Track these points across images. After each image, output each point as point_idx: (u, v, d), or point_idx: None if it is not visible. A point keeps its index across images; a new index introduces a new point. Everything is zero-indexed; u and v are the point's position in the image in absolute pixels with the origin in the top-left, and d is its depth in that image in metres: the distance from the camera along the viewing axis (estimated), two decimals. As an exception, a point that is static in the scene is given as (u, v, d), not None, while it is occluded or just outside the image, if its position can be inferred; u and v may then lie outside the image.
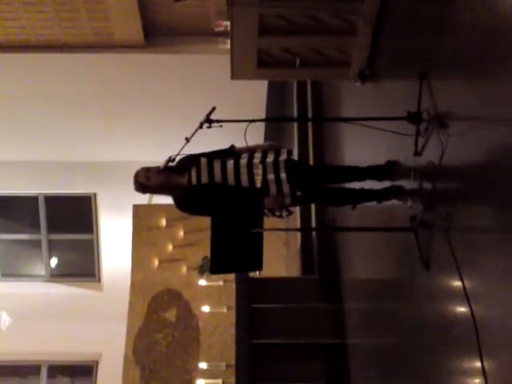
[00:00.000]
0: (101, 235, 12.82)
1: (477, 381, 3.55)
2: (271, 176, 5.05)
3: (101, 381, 12.69)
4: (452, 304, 3.99)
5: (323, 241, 8.54)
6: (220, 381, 8.39)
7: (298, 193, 5.15)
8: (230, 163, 5.14)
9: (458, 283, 3.72)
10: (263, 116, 10.45)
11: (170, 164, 5.04)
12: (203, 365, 8.46)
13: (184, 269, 9.14)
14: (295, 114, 9.79)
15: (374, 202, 5.37)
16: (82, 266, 13.40)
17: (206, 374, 8.45)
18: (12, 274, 13.35)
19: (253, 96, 10.34)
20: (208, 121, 4.79)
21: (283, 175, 5.06)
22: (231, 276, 8.23)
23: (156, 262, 9.19)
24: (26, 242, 13.34)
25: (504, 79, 3.30)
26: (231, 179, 5.09)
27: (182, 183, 5.21)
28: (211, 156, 5.23)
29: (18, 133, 11.33)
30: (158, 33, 10.07)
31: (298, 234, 9.22)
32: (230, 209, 4.73)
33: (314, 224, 8.57)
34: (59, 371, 13.14)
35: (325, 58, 6.24)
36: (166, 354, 8.66)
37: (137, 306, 8.91)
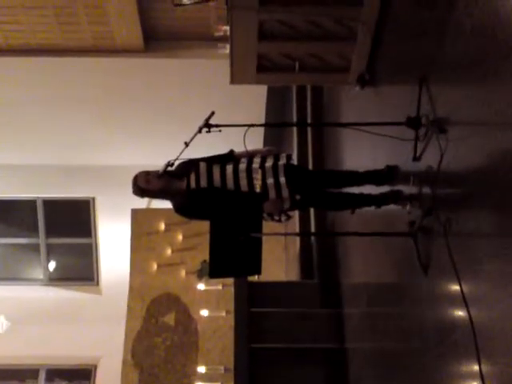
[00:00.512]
0: (99, 239, 12.81)
1: (475, 385, 3.55)
2: (270, 180, 5.05)
3: (99, 385, 12.69)
4: (451, 308, 3.99)
5: (322, 245, 8.54)
6: (218, 385, 8.40)
7: (297, 197, 5.16)
8: (229, 168, 5.15)
9: (456, 288, 3.72)
10: (263, 121, 10.46)
11: (169, 168, 5.05)
12: (202, 369, 8.46)
13: (183, 273, 9.14)
14: (295, 118, 9.79)
15: (373, 207, 5.38)
16: (80, 270, 13.40)
17: (204, 378, 8.46)
18: (10, 278, 13.34)
19: (252, 101, 10.35)
20: (207, 125, 4.80)
21: (282, 179, 5.06)
22: (230, 280, 8.23)
23: (155, 266, 9.20)
24: (24, 246, 13.34)
25: (503, 84, 3.31)
26: (230, 184, 5.09)
27: (181, 188, 5.21)
28: (210, 161, 5.24)
29: (16, 137, 11.33)
30: (157, 37, 10.08)
31: (297, 239, 9.23)
32: (229, 213, 4.74)
33: (313, 228, 8.58)
34: (57, 375, 13.12)
35: (324, 63, 6.25)
36: (165, 357, 8.66)
37: (135, 309, 8.92)
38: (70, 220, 13.34)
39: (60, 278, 13.38)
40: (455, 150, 3.94)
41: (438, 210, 4.18)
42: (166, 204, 5.37)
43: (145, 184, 5.18)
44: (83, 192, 12.60)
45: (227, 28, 5.97)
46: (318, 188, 5.48)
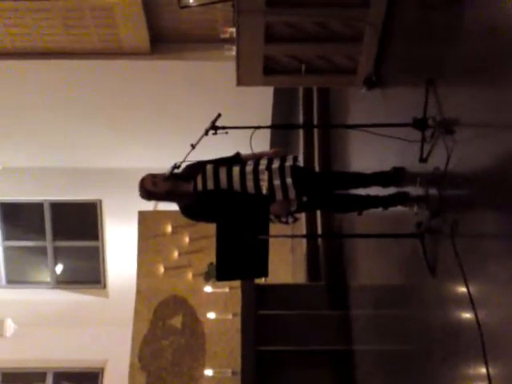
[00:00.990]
0: (106, 242, 12.81)
1: (483, 387, 3.54)
2: (277, 182, 5.05)
3: (106, 388, 12.69)
4: (458, 310, 3.98)
5: (329, 247, 8.53)
6: (226, 388, 8.38)
7: (304, 198, 5.15)
8: (236, 170, 5.15)
9: (463, 289, 3.71)
10: (269, 122, 10.44)
11: (176, 171, 5.05)
12: (209, 372, 8.43)
13: (190, 275, 9.12)
14: (301, 120, 9.78)
15: (380, 209, 5.37)
16: (87, 273, 13.40)
17: (211, 381, 8.43)
18: (17, 281, 13.35)
19: (259, 103, 10.34)
20: (214, 127, 4.80)
21: (289, 180, 5.06)
22: (237, 283, 8.22)
23: (161, 269, 9.18)
24: (31, 249, 13.35)
25: (510, 86, 3.30)
26: (237, 185, 5.09)
27: (188, 190, 5.21)
28: (217, 163, 5.24)
29: (23, 139, 11.35)
30: (164, 40, 10.09)
31: (304, 241, 9.21)
32: (236, 215, 4.73)
33: (320, 230, 8.56)
34: (65, 378, 13.12)
35: (331, 65, 6.25)
36: (172, 360, 8.64)
37: (142, 312, 8.90)
38: (77, 223, 13.35)
39: (67, 281, 13.39)
40: (462, 152, 3.93)
41: (445, 211, 4.18)
42: (173, 206, 5.37)
43: (152, 186, 5.19)
44: (90, 195, 12.61)
45: (234, 30, 5.97)
46: (324, 190, 5.47)
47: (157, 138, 11.30)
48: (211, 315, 8.70)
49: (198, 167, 5.21)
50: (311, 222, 8.71)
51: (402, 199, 5.09)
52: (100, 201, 12.67)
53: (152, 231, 9.35)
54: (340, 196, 5.56)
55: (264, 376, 7.61)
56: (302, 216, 8.51)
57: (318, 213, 8.55)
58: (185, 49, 10.10)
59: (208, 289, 8.85)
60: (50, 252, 13.11)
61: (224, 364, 8.49)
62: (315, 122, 9.41)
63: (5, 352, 12.36)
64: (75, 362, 12.75)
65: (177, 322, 8.82)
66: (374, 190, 5.45)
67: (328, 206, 6.01)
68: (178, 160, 4.98)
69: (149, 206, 7.12)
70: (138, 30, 9.64)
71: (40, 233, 13.04)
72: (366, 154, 6.62)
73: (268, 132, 10.94)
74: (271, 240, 4.77)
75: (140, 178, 5.28)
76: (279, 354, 7.69)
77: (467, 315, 3.73)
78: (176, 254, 9.26)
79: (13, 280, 13.33)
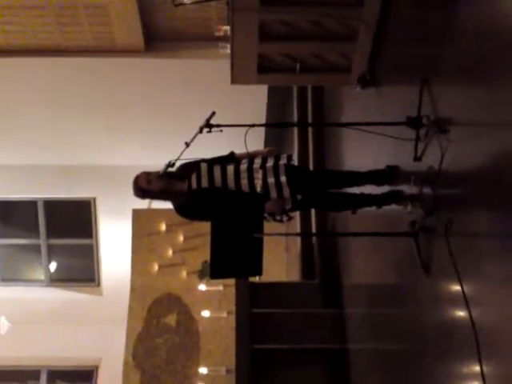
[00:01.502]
0: (100, 240, 12.80)
1: (477, 386, 3.54)
2: (271, 180, 5.05)
3: (101, 386, 12.68)
4: (452, 309, 3.98)
5: (323, 246, 8.53)
6: (220, 386, 8.38)
7: (299, 197, 5.15)
8: (231, 168, 5.15)
9: (457, 288, 3.72)
10: (263, 121, 10.45)
11: (170, 169, 5.05)
12: (203, 370, 8.44)
13: (184, 274, 9.12)
14: (295, 119, 9.78)
15: (374, 207, 5.38)
16: (81, 271, 13.38)
17: (206, 379, 8.43)
18: (11, 279, 13.32)
19: (253, 101, 10.34)
20: (208, 125, 4.80)
21: (283, 178, 5.06)
22: (231, 281, 8.22)
23: (156, 267, 9.17)
24: (25, 247, 13.32)
25: (505, 86, 3.30)
26: (231, 184, 5.09)
27: (182, 189, 5.21)
28: (211, 162, 5.24)
29: (17, 137, 11.32)
30: (158, 38, 10.08)
31: (298, 239, 9.21)
32: (231, 213, 4.73)
33: (314, 229, 8.57)
34: (59, 376, 13.10)
35: (326, 64, 6.24)
36: (166, 358, 8.64)
37: (137, 310, 8.89)
38: (71, 221, 13.32)
39: (61, 279, 13.36)
40: (456, 150, 3.94)
41: (439, 210, 4.18)
42: (167, 205, 5.37)
43: (146, 184, 5.18)
44: (84, 192, 12.59)
45: (228, 28, 5.96)
46: (318, 188, 5.48)
47: (151, 136, 11.30)
48: (205, 313, 8.70)
49: (193, 166, 5.21)
50: (305, 221, 8.71)
51: (396, 198, 5.09)
52: (94, 199, 12.65)
53: (146, 229, 9.35)
54: (334, 194, 5.57)
55: (258, 374, 7.61)
56: (297, 214, 8.51)
57: (313, 211, 8.55)
58: (179, 47, 10.10)
59: (202, 287, 8.85)
60: (43, 250, 13.09)
61: (218, 362, 8.50)
62: (309, 121, 9.41)
63: (-1, 350, 12.36)
64: (69, 359, 12.74)
65: (171, 320, 8.82)
66: (368, 189, 5.46)
67: (322, 205, 6.02)
68: (172, 158, 4.98)
69: (143, 204, 7.11)
70: (132, 27, 9.63)
71: (34, 231, 13.01)
72: (360, 153, 6.62)
73: (262, 131, 10.94)
74: (265, 238, 4.77)
75: (134, 175, 5.27)
76: (274, 353, 7.69)
77: (461, 314, 3.73)
78: (170, 252, 9.26)
79: (7, 278, 13.31)
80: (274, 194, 5.06)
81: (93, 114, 10.94)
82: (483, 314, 3.50)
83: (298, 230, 8.76)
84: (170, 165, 4.99)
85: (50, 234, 13.02)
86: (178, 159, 4.96)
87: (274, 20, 5.85)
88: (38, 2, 9.27)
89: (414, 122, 4.54)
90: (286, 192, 5.07)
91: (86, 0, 9.31)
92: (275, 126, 10.63)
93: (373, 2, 5.68)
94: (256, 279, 8.08)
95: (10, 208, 13.15)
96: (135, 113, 10.95)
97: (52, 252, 13.23)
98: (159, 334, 8.77)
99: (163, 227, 9.33)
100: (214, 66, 8.92)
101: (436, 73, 4.36)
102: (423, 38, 4.80)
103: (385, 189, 5.30)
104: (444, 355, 4.09)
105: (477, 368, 3.45)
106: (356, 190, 5.52)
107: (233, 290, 8.26)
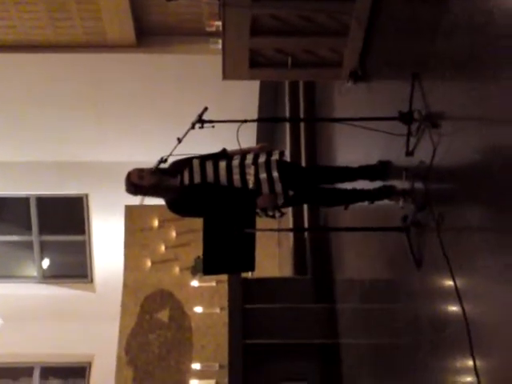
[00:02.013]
0: (93, 236, 12.78)
1: (469, 379, 3.55)
2: (263, 175, 5.05)
3: (94, 382, 12.64)
4: (444, 303, 3.99)
5: (316, 241, 8.55)
6: (213, 381, 8.38)
7: (291, 193, 5.15)
8: (223, 164, 5.15)
9: (450, 282, 3.72)
10: (255, 116, 10.44)
11: (162, 165, 5.04)
12: (196, 365, 8.45)
13: (176, 269, 9.12)
14: (287, 114, 9.78)
15: (366, 202, 5.38)
16: (74, 267, 13.36)
17: (199, 375, 8.44)
18: (4, 276, 13.29)
19: (245, 96, 10.33)
20: (200, 121, 4.80)
21: (275, 174, 5.06)
22: (224, 276, 8.22)
23: (148, 263, 9.17)
24: (17, 244, 13.29)
25: (496, 81, 3.30)
26: (223, 179, 5.09)
27: (175, 184, 5.21)
28: (204, 158, 5.24)
29: (8, 133, 11.28)
30: (150, 32, 10.06)
31: (291, 234, 9.23)
32: (223, 209, 4.73)
33: (306, 224, 8.57)
34: (52, 373, 13.09)
35: (317, 59, 6.24)
36: (159, 354, 8.64)
37: (129, 306, 8.89)
38: (64, 217, 13.30)
39: (54, 276, 13.34)
40: (448, 145, 3.94)
41: (431, 204, 4.18)
42: (160, 200, 5.36)
43: (138, 180, 5.17)
44: (76, 189, 12.56)
45: (219, 23, 5.96)
46: (311, 184, 5.48)
47: (143, 132, 11.28)
48: (198, 309, 8.71)
49: (185, 163, 5.20)
50: (298, 216, 8.72)
51: (387, 193, 5.09)
52: (86, 195, 12.63)
53: (139, 225, 9.34)
54: (326, 190, 5.57)
55: (251, 369, 7.62)
56: (289, 210, 8.51)
57: (305, 207, 8.56)
58: (171, 42, 10.08)
59: (195, 283, 8.85)
60: (36, 246, 13.06)
61: (211, 358, 8.51)
62: (301, 116, 9.40)
63: (-9, 347, 12.33)
64: (62, 356, 12.73)
65: (164, 315, 8.82)
66: (360, 184, 5.46)
67: (314, 200, 6.03)
68: (164, 154, 4.97)
69: (135, 200, 7.10)
70: (124, 22, 9.61)
71: (26, 227, 12.98)
72: (352, 148, 6.62)
73: (254, 127, 10.93)
74: (258, 234, 4.78)
75: (126, 172, 5.26)
76: (266, 348, 7.70)
77: (454, 308, 3.74)
78: (163, 248, 9.25)
79: (-1, 274, 13.29)
80: (265, 189, 5.05)
81: (85, 110, 10.91)
82: (475, 307, 3.51)
83: (291, 225, 8.76)
84: (163, 161, 4.98)
85: (43, 230, 13.00)
86: (170, 155, 4.94)
87: (266, 15, 5.84)
88: (30, -3, 9.25)
89: (405, 117, 4.54)
90: (278, 187, 5.07)
91: (78, -5, 9.30)
92: (267, 121, 10.65)
93: (364, -4, 5.68)
94: (248, 275, 8.09)
95: (2, 204, 13.12)
96: (127, 108, 10.93)
97: (44, 248, 13.21)
98: (152, 329, 8.77)
99: (156, 223, 9.32)
100: (206, 62, 8.92)
101: (427, 68, 4.36)
102: (414, 32, 4.80)
103: (377, 184, 5.30)
104: (437, 349, 4.10)
105: (470, 362, 3.46)
106: (348, 185, 5.52)
107: (225, 286, 8.26)
